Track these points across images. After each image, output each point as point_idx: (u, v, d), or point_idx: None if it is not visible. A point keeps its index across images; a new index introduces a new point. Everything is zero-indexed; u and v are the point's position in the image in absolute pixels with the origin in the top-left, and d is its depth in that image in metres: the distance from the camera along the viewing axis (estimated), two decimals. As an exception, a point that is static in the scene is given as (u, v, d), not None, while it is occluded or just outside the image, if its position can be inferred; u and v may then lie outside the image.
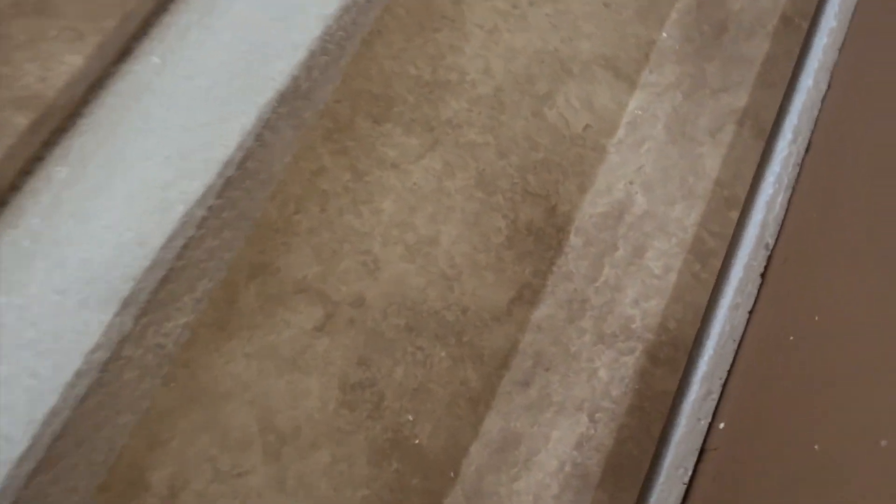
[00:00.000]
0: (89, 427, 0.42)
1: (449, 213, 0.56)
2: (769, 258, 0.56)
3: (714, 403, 0.51)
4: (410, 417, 0.51)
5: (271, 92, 0.47)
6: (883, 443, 0.34)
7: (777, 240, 0.57)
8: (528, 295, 0.55)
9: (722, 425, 0.50)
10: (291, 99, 0.48)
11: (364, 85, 0.56)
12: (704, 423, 0.51)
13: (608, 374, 0.51)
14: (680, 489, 0.49)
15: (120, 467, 0.45)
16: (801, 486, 0.39)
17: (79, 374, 0.41)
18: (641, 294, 0.54)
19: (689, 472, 0.50)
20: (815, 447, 0.39)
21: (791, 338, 0.47)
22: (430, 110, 0.57)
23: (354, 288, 0.53)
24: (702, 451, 0.50)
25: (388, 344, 0.52)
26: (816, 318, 0.45)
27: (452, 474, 0.50)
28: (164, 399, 0.47)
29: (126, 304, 0.45)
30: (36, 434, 0.39)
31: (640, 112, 0.60)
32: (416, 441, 0.50)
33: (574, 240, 0.57)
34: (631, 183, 0.58)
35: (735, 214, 0.55)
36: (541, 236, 0.57)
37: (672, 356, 0.52)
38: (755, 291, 0.55)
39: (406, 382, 0.51)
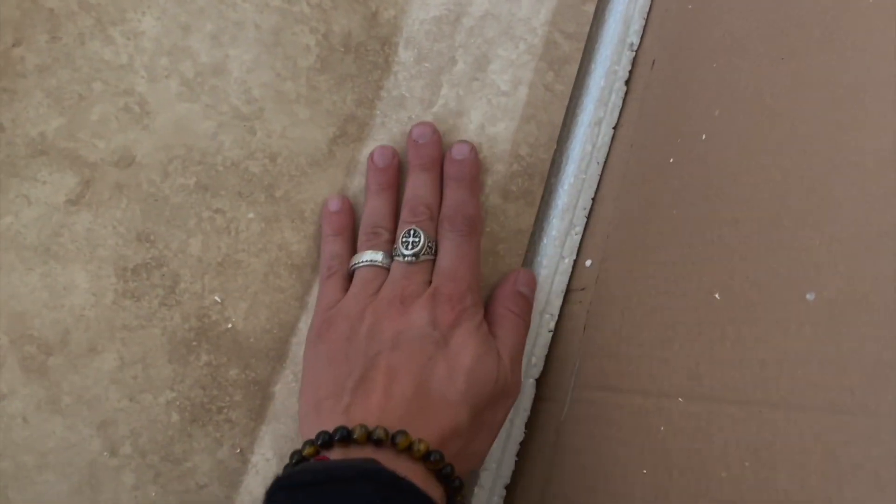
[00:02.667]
0: None
1: (237, 30, 0.44)
2: (634, 61, 0.49)
3: (578, 238, 0.46)
4: (217, 298, 0.42)
5: None
6: (809, 296, 0.29)
7: (643, 38, 0.49)
8: (353, 130, 0.45)
9: (589, 262, 0.45)
10: None
11: None
12: (569, 262, 0.45)
13: (455, 217, 0.44)
14: (546, 338, 0.44)
15: None
16: (699, 340, 0.34)
17: None
18: (488, 117, 0.45)
19: (556, 318, 0.45)
20: (716, 296, 0.34)
21: (671, 160, 0.41)
22: None
23: (118, 142, 0.41)
24: (568, 292, 0.45)
25: (175, 211, 0.42)
26: (704, 138, 0.39)
27: (280, 356, 0.42)
28: None
29: None
30: None
31: None
32: (229, 325, 0.42)
33: (404, 55, 0.47)
34: (468, -23, 0.47)
35: (591, 7, 0.47)
36: (362, 53, 0.46)
37: (527, 188, 0.45)
38: (620, 103, 0.48)
39: (206, 257, 0.42)
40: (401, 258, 0.40)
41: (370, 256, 0.40)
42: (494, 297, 0.42)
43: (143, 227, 0.41)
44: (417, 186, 0.42)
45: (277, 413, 0.42)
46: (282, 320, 0.43)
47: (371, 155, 0.44)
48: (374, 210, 0.42)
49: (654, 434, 0.35)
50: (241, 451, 0.41)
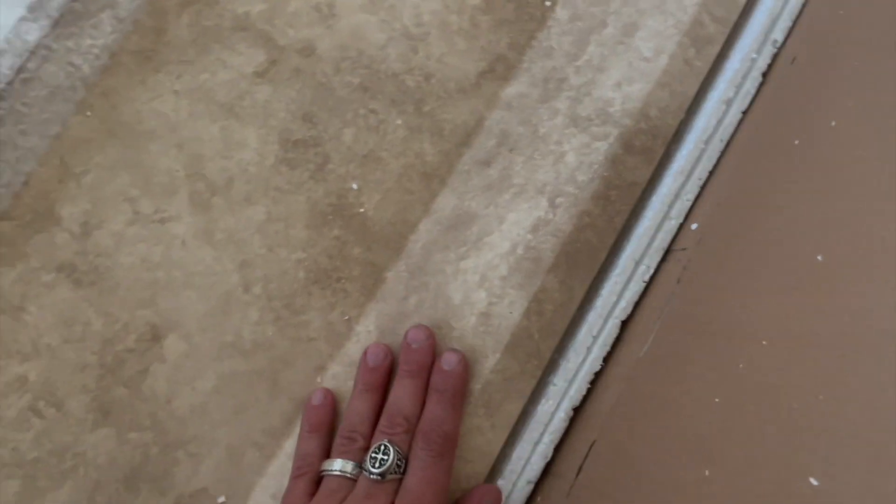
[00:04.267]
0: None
1: (421, -37, 0.51)
2: (775, 56, 0.52)
3: (689, 204, 0.49)
4: (356, 185, 0.48)
5: None
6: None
7: (788, 37, 0.52)
8: (500, 69, 0.51)
9: (695, 226, 0.48)
10: None
11: None
12: (675, 223, 0.49)
13: (576, 158, 0.49)
14: (639, 286, 0.48)
15: (26, 196, 0.42)
16: (794, 294, 0.37)
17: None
18: (625, 77, 0.50)
19: (651, 271, 0.48)
20: (819, 258, 0.37)
21: (796, 142, 0.44)
22: None
23: (304, 34, 0.48)
24: (668, 251, 0.49)
25: (338, 102, 0.48)
26: (833, 124, 0.42)
27: (397, 248, 0.48)
28: (79, 128, 0.43)
29: (32, 8, 0.40)
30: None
31: None
32: (361, 210, 0.48)
33: (560, 12, 0.52)
34: (633, -46, 0.52)
35: (744, -2, 0.51)
36: (522, 4, 0.52)
37: (649, 146, 0.49)
38: (753, 90, 0.51)
39: (355, 147, 0.48)
40: (367, 474, 0.39)
41: (340, 466, 0.40)
42: None
43: (309, 109, 0.48)
44: (400, 394, 0.42)
45: (386, 295, 0.47)
46: (405, 218, 0.49)
47: (365, 351, 0.44)
48: (354, 411, 0.42)
49: (733, 370, 0.38)
50: (349, 318, 0.46)
